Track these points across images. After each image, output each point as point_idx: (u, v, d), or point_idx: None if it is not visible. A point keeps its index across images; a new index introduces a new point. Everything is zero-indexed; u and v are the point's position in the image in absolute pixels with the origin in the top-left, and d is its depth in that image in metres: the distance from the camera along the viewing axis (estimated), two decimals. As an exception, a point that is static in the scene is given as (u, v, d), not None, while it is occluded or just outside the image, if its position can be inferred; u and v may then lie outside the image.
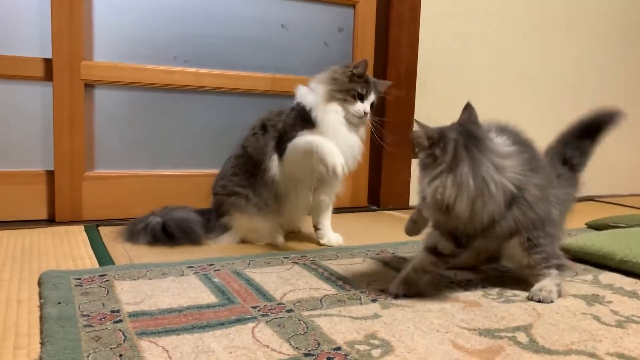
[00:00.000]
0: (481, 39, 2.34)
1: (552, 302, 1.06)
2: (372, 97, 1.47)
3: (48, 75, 1.69)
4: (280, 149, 1.46)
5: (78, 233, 1.57)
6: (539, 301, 1.06)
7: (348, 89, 1.44)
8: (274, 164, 1.45)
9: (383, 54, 2.14)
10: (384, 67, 2.13)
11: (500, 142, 1.05)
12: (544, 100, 2.53)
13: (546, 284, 1.08)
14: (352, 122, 1.45)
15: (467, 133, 1.00)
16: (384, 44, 2.13)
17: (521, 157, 1.05)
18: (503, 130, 1.10)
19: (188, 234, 1.47)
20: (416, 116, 2.22)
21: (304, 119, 1.43)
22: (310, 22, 2.06)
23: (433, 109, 2.28)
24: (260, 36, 1.98)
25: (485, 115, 2.53)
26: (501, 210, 1.01)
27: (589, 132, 1.23)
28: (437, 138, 1.00)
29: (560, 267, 1.10)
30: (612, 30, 2.66)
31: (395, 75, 2.14)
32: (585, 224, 1.90)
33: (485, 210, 0.99)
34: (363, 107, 1.44)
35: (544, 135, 2.82)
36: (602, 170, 2.72)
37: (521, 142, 1.09)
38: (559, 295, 1.09)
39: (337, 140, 1.41)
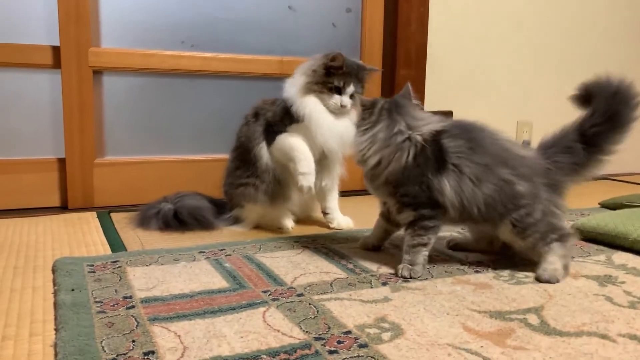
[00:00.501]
0: (492, 14, 2.30)
1: (558, 281, 1.06)
2: (351, 89, 1.44)
3: (56, 63, 1.70)
4: (269, 135, 1.46)
5: (90, 219, 1.59)
6: (547, 281, 1.06)
7: (324, 81, 1.42)
8: (263, 151, 1.46)
9: (392, 34, 2.11)
10: (394, 47, 2.11)
11: (423, 112, 1.17)
12: (558, 74, 2.49)
13: (550, 261, 1.08)
14: (335, 111, 1.44)
15: (394, 102, 1.15)
16: (393, 24, 2.10)
17: (442, 125, 1.12)
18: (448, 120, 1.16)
19: (200, 221, 1.48)
20: (427, 95, 2.19)
21: (290, 114, 1.44)
22: (317, 3, 2.03)
23: (445, 87, 2.26)
24: (267, 19, 1.96)
25: (498, 89, 2.49)
26: (408, 162, 1.09)
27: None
28: (369, 105, 1.16)
29: (561, 238, 1.09)
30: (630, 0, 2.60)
31: (405, 55, 2.11)
32: (599, 203, 1.88)
33: (393, 161, 1.09)
34: (340, 99, 1.43)
35: (559, 107, 2.76)
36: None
37: (461, 127, 1.12)
38: (566, 269, 1.08)
39: (323, 129, 1.41)
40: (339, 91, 1.43)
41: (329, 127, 1.43)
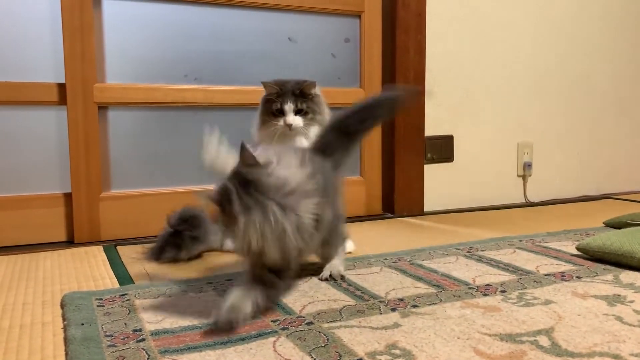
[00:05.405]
0: (489, 40, 2.34)
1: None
2: (289, 106, 1.44)
3: (62, 100, 1.73)
4: None
5: (97, 253, 1.59)
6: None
7: (267, 110, 1.47)
8: None
9: (391, 62, 2.15)
10: (392, 75, 2.14)
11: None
12: (556, 95, 2.52)
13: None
14: (286, 134, 1.45)
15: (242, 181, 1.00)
16: (391, 52, 2.14)
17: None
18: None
19: (191, 224, 1.50)
20: (427, 121, 2.22)
21: None
22: (316, 34, 2.07)
23: (444, 112, 2.28)
24: (268, 50, 2.00)
25: (498, 112, 2.50)
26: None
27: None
28: (219, 198, 0.99)
29: None
30: (623, 20, 2.64)
31: (404, 82, 2.14)
32: (603, 222, 1.88)
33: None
34: (283, 120, 1.44)
35: (558, 127, 2.77)
36: (617, 167, 2.69)
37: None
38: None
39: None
40: (283, 112, 1.45)
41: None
